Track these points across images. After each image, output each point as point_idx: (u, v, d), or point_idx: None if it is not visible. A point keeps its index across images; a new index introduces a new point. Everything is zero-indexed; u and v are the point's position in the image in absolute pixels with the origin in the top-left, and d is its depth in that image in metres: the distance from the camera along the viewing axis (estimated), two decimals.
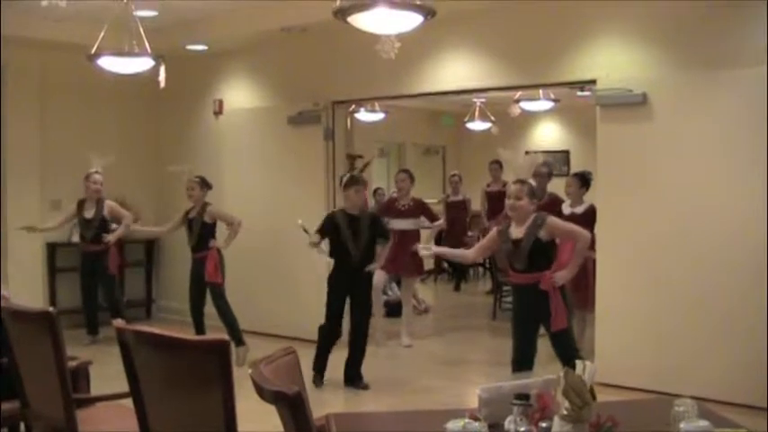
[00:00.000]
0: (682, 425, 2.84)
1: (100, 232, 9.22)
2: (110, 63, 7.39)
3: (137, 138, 11.08)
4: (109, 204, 9.34)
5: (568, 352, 5.82)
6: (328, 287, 7.60)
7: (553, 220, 6.03)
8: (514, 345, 6.16)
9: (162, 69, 7.52)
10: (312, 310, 9.40)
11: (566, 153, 17.57)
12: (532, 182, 6.28)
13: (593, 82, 7.73)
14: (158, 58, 7.48)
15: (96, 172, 9.23)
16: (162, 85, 7.56)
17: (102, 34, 7.31)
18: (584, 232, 6.12)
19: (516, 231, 5.98)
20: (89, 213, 9.23)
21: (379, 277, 9.54)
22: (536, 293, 5.89)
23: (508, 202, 6.04)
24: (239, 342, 8.36)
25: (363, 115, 14.29)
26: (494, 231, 6.25)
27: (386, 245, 7.86)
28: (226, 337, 3.12)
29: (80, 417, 4.10)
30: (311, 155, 9.47)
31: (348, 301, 7.59)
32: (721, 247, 6.80)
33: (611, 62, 7.59)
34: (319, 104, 9.40)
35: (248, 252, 9.00)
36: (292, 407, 2.70)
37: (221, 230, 8.65)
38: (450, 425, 2.87)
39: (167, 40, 9.00)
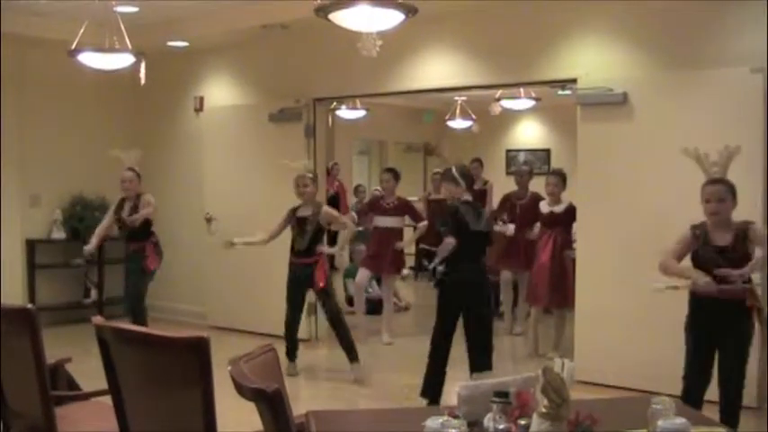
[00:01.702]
0: (659, 422, 2.85)
1: (141, 229, 8.55)
2: (90, 59, 7.35)
3: (117, 134, 10.99)
4: (146, 200, 8.56)
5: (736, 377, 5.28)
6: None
7: (758, 227, 5.31)
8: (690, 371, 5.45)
9: (142, 66, 7.50)
10: None
11: (546, 152, 17.65)
12: None
13: (574, 81, 7.76)
14: (139, 54, 7.47)
15: (128, 169, 8.65)
16: (142, 81, 7.55)
17: (82, 30, 7.29)
18: None
19: (719, 237, 5.25)
20: (126, 212, 8.61)
21: (362, 275, 9.57)
22: (736, 310, 5.17)
23: (709, 205, 5.27)
24: (353, 357, 7.84)
25: (344, 113, 14.30)
26: (689, 234, 5.38)
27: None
28: (205, 334, 3.11)
29: (59, 414, 4.08)
30: (292, 152, 9.42)
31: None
32: None
33: (591, 61, 7.63)
34: (300, 102, 9.39)
35: (232, 252, 8.94)
36: (272, 404, 2.71)
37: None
38: (430, 422, 2.87)
39: (148, 36, 8.96)
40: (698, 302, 5.35)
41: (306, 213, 7.86)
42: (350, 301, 11.38)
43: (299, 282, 7.91)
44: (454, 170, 6.71)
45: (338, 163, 15.20)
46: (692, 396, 5.22)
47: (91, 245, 8.63)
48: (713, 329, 5.30)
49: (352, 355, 7.77)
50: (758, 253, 5.13)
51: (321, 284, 7.79)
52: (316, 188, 8.07)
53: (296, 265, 7.91)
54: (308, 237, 7.84)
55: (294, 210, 7.96)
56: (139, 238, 8.46)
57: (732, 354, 5.25)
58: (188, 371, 3.04)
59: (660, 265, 5.41)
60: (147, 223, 8.46)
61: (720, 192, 5.22)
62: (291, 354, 7.97)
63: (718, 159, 5.37)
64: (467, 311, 6.64)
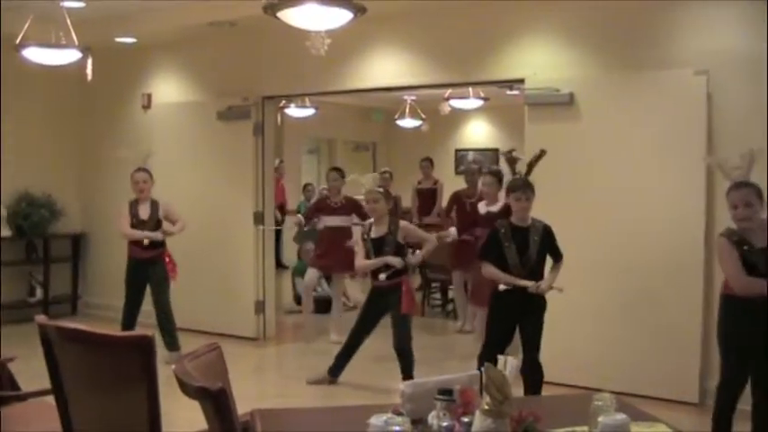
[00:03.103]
0: (600, 419, 2.89)
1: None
2: (36, 54, 7.25)
3: (63, 131, 10.88)
4: (164, 206, 8.28)
5: None
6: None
7: None
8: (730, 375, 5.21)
9: (89, 62, 7.41)
10: (241, 307, 9.42)
11: (495, 151, 17.73)
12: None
13: (522, 81, 7.80)
14: (85, 50, 7.37)
15: (140, 169, 8.24)
16: (89, 77, 7.47)
17: (27, 24, 7.19)
18: None
19: (759, 239, 5.04)
20: (143, 214, 8.20)
21: (311, 275, 9.55)
22: None
23: (737, 211, 5.09)
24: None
25: (294, 111, 14.29)
26: (727, 243, 5.10)
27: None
28: (149, 333, 3.09)
29: (2, 415, 4.03)
30: (241, 150, 9.42)
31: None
32: (653, 245, 6.93)
33: (539, 62, 7.69)
34: (249, 100, 9.35)
35: (177, 248, 8.88)
36: (215, 403, 2.70)
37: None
38: (374, 419, 2.88)
39: (95, 31, 8.86)
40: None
41: (380, 233, 7.19)
42: (298, 300, 11.38)
43: (381, 307, 7.32)
44: None
45: (284, 161, 15.17)
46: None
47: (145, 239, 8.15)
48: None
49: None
50: None
51: (408, 309, 7.12)
52: (387, 204, 7.38)
53: (381, 288, 7.23)
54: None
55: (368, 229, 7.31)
56: (159, 244, 8.23)
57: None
58: (132, 370, 3.03)
59: (748, 288, 5.01)
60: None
61: (747, 195, 5.04)
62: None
63: (740, 163, 5.20)
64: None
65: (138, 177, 8.17)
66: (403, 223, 7.35)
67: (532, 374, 6.10)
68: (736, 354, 5.13)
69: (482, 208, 8.50)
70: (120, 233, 8.26)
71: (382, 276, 7.09)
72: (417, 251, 7.48)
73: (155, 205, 8.22)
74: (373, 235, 7.19)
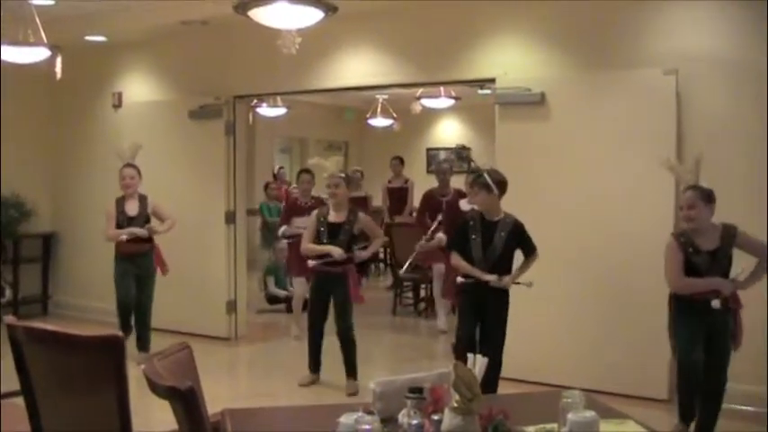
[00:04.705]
0: (569, 415, 2.91)
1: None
2: (4, 52, 7.18)
3: (32, 130, 10.79)
4: (152, 202, 8.28)
5: (723, 377, 5.55)
6: None
7: (744, 232, 5.51)
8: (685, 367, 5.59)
9: (58, 60, 7.36)
10: (212, 306, 9.39)
11: (467, 151, 17.80)
12: None
13: (493, 81, 7.83)
14: (54, 48, 7.31)
15: (128, 165, 8.20)
16: (58, 76, 7.41)
17: None
18: None
19: (706, 241, 5.45)
20: (132, 211, 8.14)
21: (300, 285, 9.44)
22: (713, 310, 5.38)
23: (683, 212, 5.50)
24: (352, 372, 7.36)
25: (265, 110, 14.25)
26: (675, 243, 5.53)
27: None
28: (119, 332, 3.08)
29: None
30: (212, 149, 9.38)
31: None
32: (623, 243, 6.96)
33: (510, 61, 7.72)
34: (220, 99, 9.32)
35: None
36: (185, 402, 2.70)
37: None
38: (344, 418, 2.89)
39: (65, 30, 8.80)
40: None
41: (338, 219, 7.21)
42: (270, 300, 11.36)
43: (324, 292, 7.32)
44: None
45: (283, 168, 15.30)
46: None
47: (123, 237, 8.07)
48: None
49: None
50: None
51: (354, 298, 7.27)
52: (348, 190, 7.42)
53: (322, 274, 7.26)
54: (340, 245, 7.13)
55: (324, 215, 7.30)
56: (147, 239, 8.16)
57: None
58: (102, 370, 3.00)
59: (681, 288, 5.55)
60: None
61: (691, 198, 5.42)
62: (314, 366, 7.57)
63: (691, 167, 5.59)
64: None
65: (126, 173, 8.14)
66: (362, 215, 7.41)
67: (489, 369, 6.04)
68: (684, 350, 5.53)
69: (464, 205, 8.55)
70: (105, 237, 8.22)
71: (318, 262, 7.16)
72: (362, 248, 7.55)
73: (143, 201, 8.21)
74: (331, 219, 7.22)
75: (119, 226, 8.09)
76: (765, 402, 6.20)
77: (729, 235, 5.41)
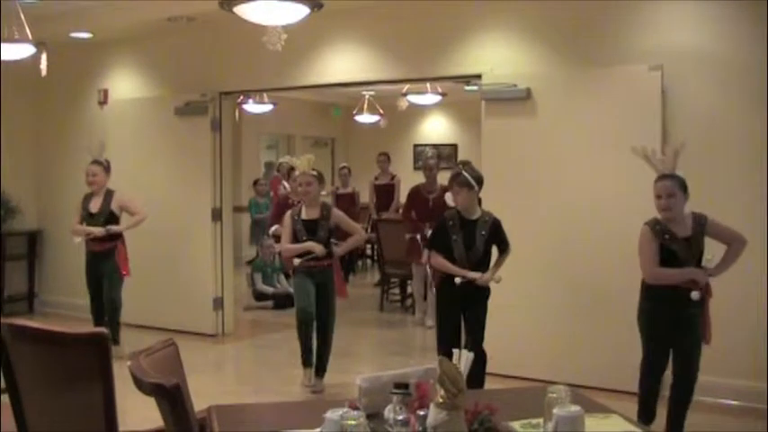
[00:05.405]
0: (555, 410, 2.91)
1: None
2: None
3: (17, 128, 10.73)
4: (119, 198, 8.19)
5: (695, 369, 5.48)
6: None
7: (714, 220, 5.43)
8: (653, 360, 5.56)
9: (44, 57, 7.32)
10: (199, 303, 9.37)
11: (453, 147, 17.82)
12: None
13: (479, 77, 7.84)
14: (39, 44, 7.29)
15: (94, 162, 8.17)
16: (44, 73, 7.37)
17: None
18: (743, 236, 5.47)
19: (680, 229, 5.35)
20: (94, 207, 8.13)
21: None
22: (689, 301, 5.32)
23: (660, 201, 5.34)
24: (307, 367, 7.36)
25: (251, 106, 14.21)
26: (649, 233, 5.39)
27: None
28: (105, 330, 3.08)
29: None
30: (198, 146, 9.37)
31: None
32: (607, 239, 6.98)
33: (496, 57, 7.73)
34: (206, 95, 9.30)
35: (135, 244, 8.81)
36: (171, 399, 2.69)
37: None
38: (329, 414, 2.89)
39: (50, 26, 8.77)
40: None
41: (312, 216, 7.17)
42: (257, 296, 11.36)
43: (307, 287, 7.23)
44: None
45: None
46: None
47: (79, 239, 8.23)
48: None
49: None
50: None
51: (339, 293, 7.41)
52: (320, 187, 7.32)
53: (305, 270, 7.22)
54: (318, 242, 7.12)
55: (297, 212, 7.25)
56: (112, 238, 8.11)
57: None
58: (88, 367, 3.00)
59: (656, 278, 5.41)
60: (116, 221, 8.09)
61: (669, 187, 5.28)
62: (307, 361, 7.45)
63: (666, 156, 5.46)
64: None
65: (89, 170, 8.15)
66: (335, 210, 7.41)
67: (475, 364, 6.08)
68: (656, 341, 5.48)
69: (449, 199, 8.56)
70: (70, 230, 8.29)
71: (297, 261, 7.12)
72: (340, 243, 7.51)
73: (107, 198, 8.16)
74: (304, 216, 7.17)
75: (81, 222, 8.18)
76: (765, 399, 6.23)
77: (700, 224, 5.35)
